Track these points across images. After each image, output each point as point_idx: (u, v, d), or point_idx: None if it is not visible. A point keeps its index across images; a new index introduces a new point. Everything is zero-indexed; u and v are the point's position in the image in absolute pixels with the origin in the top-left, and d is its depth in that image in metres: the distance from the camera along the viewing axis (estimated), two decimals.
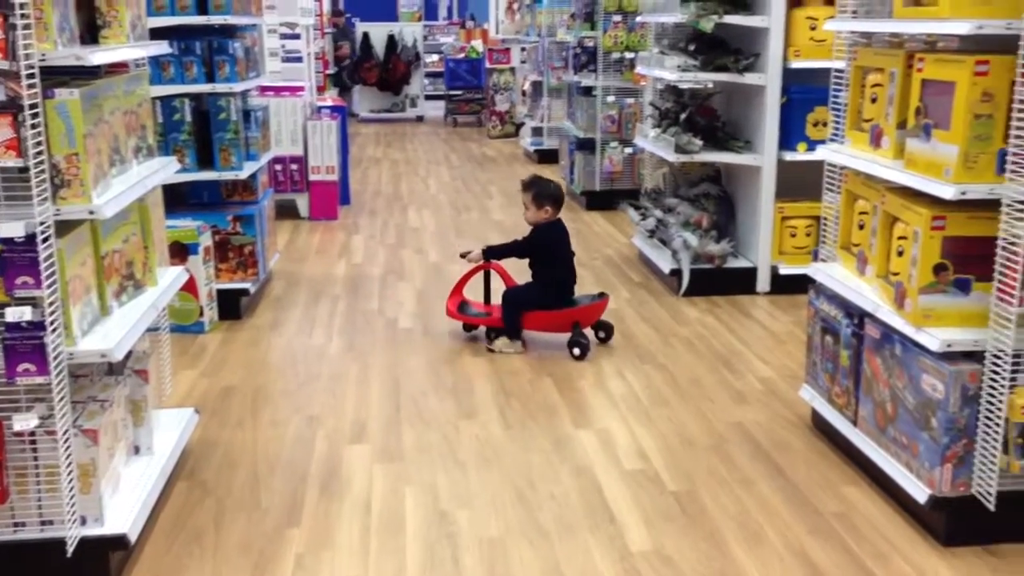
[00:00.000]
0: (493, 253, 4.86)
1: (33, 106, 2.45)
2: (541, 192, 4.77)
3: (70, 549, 2.65)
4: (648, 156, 6.44)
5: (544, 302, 4.69)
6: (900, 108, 3.15)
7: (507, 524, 3.10)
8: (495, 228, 7.51)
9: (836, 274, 3.50)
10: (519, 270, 4.93)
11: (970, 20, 2.73)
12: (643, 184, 6.72)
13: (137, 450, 3.23)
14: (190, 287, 4.78)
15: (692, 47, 5.59)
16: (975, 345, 2.83)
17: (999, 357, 2.75)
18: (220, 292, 5.08)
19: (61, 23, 2.68)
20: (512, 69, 13.22)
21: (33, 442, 2.60)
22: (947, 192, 2.79)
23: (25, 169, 2.47)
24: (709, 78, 5.58)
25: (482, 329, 4.84)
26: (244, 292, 5.18)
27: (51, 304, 2.53)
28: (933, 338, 2.86)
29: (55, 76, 2.74)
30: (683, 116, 5.67)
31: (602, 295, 4.83)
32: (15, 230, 2.44)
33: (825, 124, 4.42)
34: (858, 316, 3.33)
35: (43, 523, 2.67)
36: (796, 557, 2.91)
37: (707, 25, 5.31)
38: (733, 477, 3.41)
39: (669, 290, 5.71)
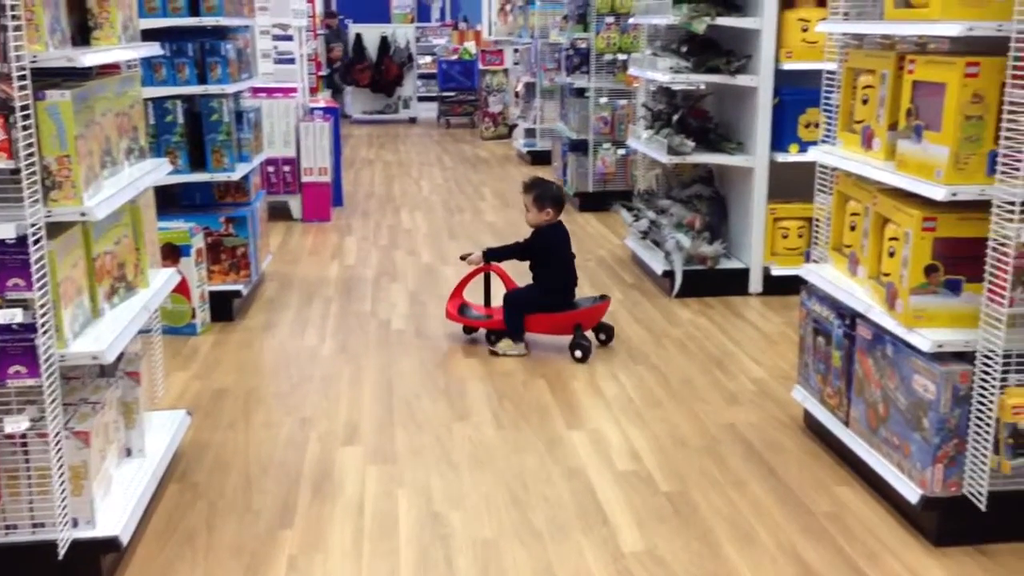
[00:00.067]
0: (493, 255, 4.85)
1: (24, 107, 2.45)
2: (542, 194, 4.76)
3: (62, 551, 2.64)
4: (641, 157, 6.45)
5: (545, 304, 4.69)
6: (891, 110, 3.16)
7: (500, 525, 3.10)
8: (488, 229, 7.51)
9: (828, 275, 3.51)
10: (519, 272, 4.93)
11: (960, 22, 2.74)
12: (636, 185, 6.73)
13: (129, 452, 3.22)
14: (182, 289, 4.77)
15: (684, 49, 5.61)
16: (966, 346, 2.84)
17: (990, 357, 2.76)
18: (212, 294, 5.07)
19: (52, 24, 2.68)
20: (505, 71, 13.23)
21: (24, 444, 2.59)
22: (938, 193, 2.80)
23: (16, 171, 2.46)
24: (701, 80, 5.59)
25: (482, 332, 4.84)
26: (236, 294, 5.17)
27: (42, 306, 2.52)
28: (924, 339, 2.87)
29: (46, 77, 2.74)
30: (676, 118, 5.68)
31: (603, 297, 4.83)
32: (6, 232, 2.43)
33: (817, 125, 4.43)
34: (850, 317, 3.34)
35: (34, 525, 2.66)
36: (788, 557, 2.91)
37: (699, 27, 5.32)
38: (725, 478, 3.41)
39: (662, 291, 5.71)
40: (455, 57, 14.86)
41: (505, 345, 4.64)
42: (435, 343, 4.86)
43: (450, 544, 2.99)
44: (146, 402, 3.36)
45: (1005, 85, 2.67)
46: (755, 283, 5.59)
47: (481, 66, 13.39)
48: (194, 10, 4.92)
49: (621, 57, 8.04)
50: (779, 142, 5.36)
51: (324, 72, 13.83)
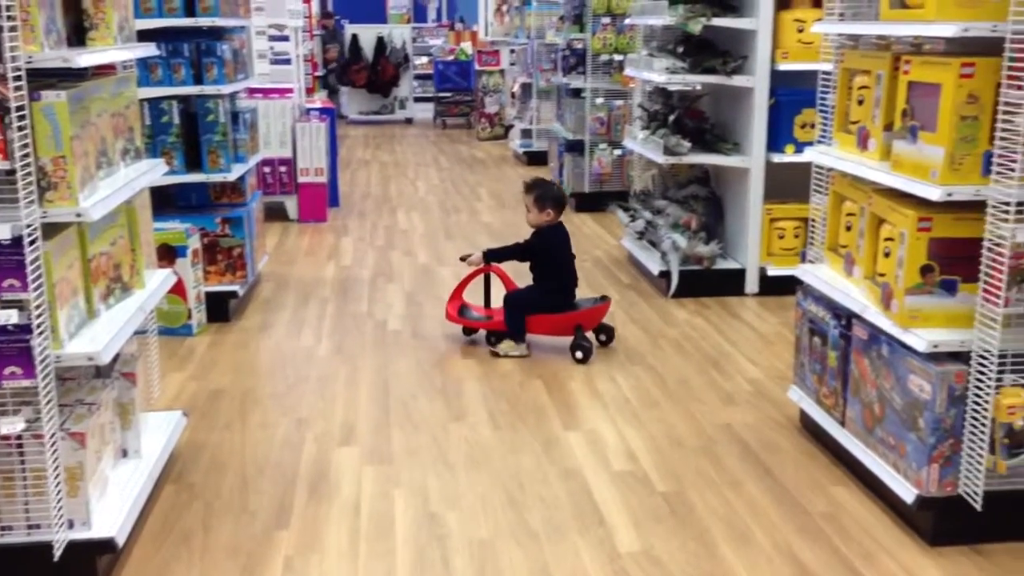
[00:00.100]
0: (493, 256, 4.84)
1: (20, 108, 2.44)
2: (543, 194, 4.76)
3: (57, 553, 2.64)
4: (637, 158, 6.45)
5: (546, 305, 4.68)
6: (887, 110, 3.16)
7: (497, 526, 3.10)
8: (484, 230, 7.51)
9: (824, 275, 3.51)
10: (519, 273, 4.93)
11: (956, 22, 2.74)
12: (632, 186, 6.74)
13: (125, 453, 3.21)
14: (178, 290, 4.76)
15: (680, 49, 5.61)
16: (961, 346, 2.85)
17: (985, 357, 2.76)
18: (208, 294, 5.07)
19: (48, 25, 2.67)
20: (501, 71, 13.23)
21: (20, 446, 2.59)
22: (933, 194, 2.81)
23: (11, 171, 2.46)
24: (697, 80, 5.60)
25: (482, 333, 4.83)
26: (233, 294, 5.17)
27: (38, 307, 2.52)
28: (920, 339, 2.87)
29: (42, 78, 2.73)
30: (672, 118, 5.69)
31: (604, 298, 4.82)
32: (1, 233, 2.43)
33: (813, 126, 4.44)
34: (846, 317, 3.35)
35: (30, 527, 2.66)
36: (784, 557, 2.92)
37: (695, 27, 5.33)
38: (722, 478, 3.42)
39: (658, 291, 5.72)
40: (451, 58, 14.86)
41: (507, 346, 4.64)
42: (431, 343, 4.85)
43: (446, 544, 2.99)
44: (142, 403, 3.36)
45: (1000, 86, 2.67)
46: (751, 283, 5.60)
47: (477, 67, 13.39)
48: (190, 11, 4.92)
49: (617, 58, 8.05)
50: (775, 143, 5.37)
51: (320, 73, 13.83)
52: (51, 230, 2.66)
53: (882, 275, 3.12)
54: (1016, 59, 2.60)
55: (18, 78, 2.43)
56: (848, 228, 3.43)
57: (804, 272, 3.65)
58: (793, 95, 5.27)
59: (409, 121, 15.19)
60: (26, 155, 2.49)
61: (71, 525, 2.71)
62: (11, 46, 2.40)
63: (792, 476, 3.43)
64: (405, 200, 8.85)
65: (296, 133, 7.69)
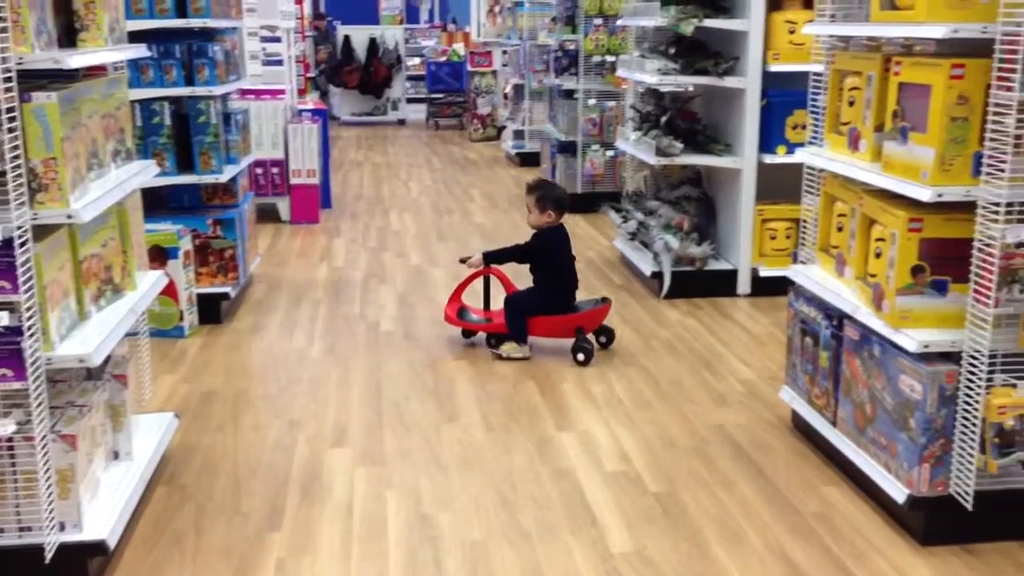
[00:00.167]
0: (493, 258, 4.82)
1: (10, 110, 2.44)
2: (545, 195, 4.75)
3: (48, 555, 2.63)
4: (629, 159, 6.46)
5: (546, 307, 4.67)
6: (877, 111, 3.17)
7: (489, 527, 3.10)
8: (477, 231, 7.51)
9: (815, 276, 3.52)
10: (519, 275, 4.93)
11: (946, 24, 2.75)
12: (624, 187, 6.75)
13: (116, 455, 3.21)
14: (170, 291, 4.75)
15: (672, 50, 5.62)
16: (952, 346, 2.86)
17: (976, 358, 2.77)
18: (200, 296, 5.06)
19: (38, 26, 2.67)
20: (494, 72, 13.23)
21: (11, 448, 2.58)
22: (924, 194, 2.82)
23: (2, 173, 2.45)
24: (689, 81, 5.60)
25: (481, 335, 4.83)
26: (224, 296, 5.16)
27: (28, 309, 2.51)
28: (911, 339, 2.88)
29: (32, 79, 2.73)
30: (664, 119, 5.69)
31: (604, 300, 4.82)
32: None
33: (804, 127, 4.44)
34: (837, 318, 3.36)
35: (21, 529, 2.65)
36: (776, 557, 2.92)
37: (687, 28, 5.34)
38: (714, 478, 3.42)
39: (650, 292, 5.73)
40: (444, 59, 14.86)
41: (509, 348, 4.63)
42: (424, 345, 4.85)
43: (439, 546, 2.99)
44: (133, 405, 3.35)
45: (990, 87, 2.68)
46: (743, 284, 5.61)
47: (470, 68, 13.39)
48: (181, 12, 4.91)
49: (609, 59, 8.06)
50: (767, 144, 5.38)
51: (312, 74, 13.81)
52: (42, 232, 2.65)
53: (873, 276, 3.13)
54: (1006, 60, 2.61)
55: (8, 79, 2.42)
56: (839, 229, 3.44)
57: (796, 273, 3.66)
58: (784, 96, 5.28)
59: (401, 122, 15.18)
60: (17, 157, 2.49)
61: (62, 527, 2.70)
62: (1, 47, 2.39)
63: (784, 476, 3.43)
64: (397, 201, 8.85)
65: (288, 134, 7.68)
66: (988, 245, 2.70)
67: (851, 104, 3.35)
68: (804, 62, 4.41)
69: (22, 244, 2.48)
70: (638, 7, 6.04)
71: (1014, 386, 2.77)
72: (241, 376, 4.45)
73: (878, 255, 3.09)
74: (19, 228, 2.48)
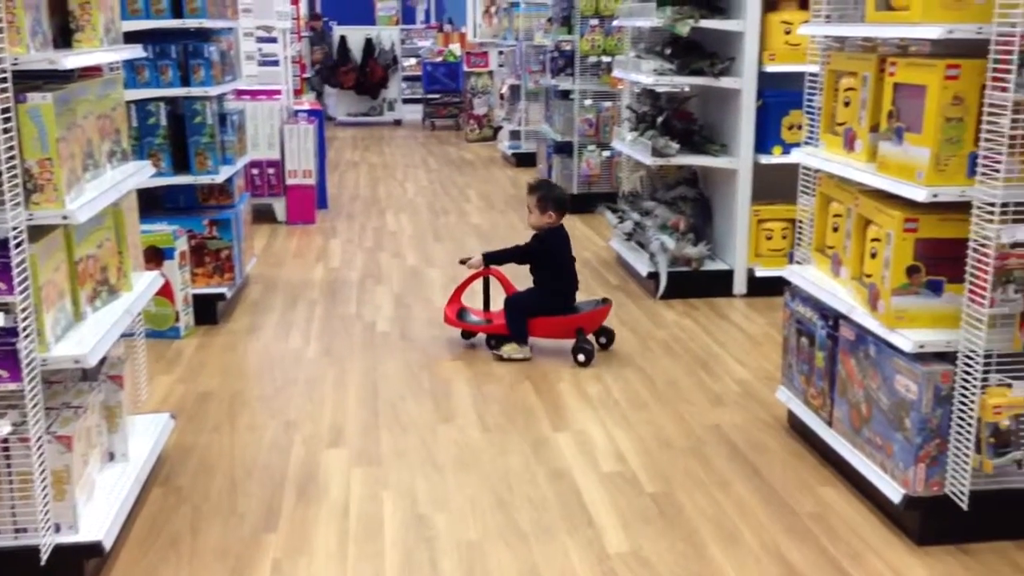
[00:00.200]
0: (493, 259, 4.81)
1: (5, 110, 2.43)
2: (546, 196, 4.74)
3: (44, 557, 2.62)
4: (625, 159, 6.46)
5: (546, 308, 4.67)
6: (873, 112, 3.18)
7: (485, 527, 3.10)
8: (473, 232, 7.51)
9: (811, 276, 3.52)
10: (518, 276, 4.92)
11: (941, 24, 2.76)
12: (620, 187, 6.74)
13: (112, 456, 3.20)
14: (166, 292, 4.75)
15: (668, 51, 5.62)
16: (947, 346, 2.86)
17: (971, 357, 2.78)
18: (196, 297, 5.05)
19: (34, 27, 2.66)
20: (490, 73, 13.23)
21: (6, 449, 2.58)
22: (919, 195, 2.82)
23: None
24: (685, 82, 5.61)
25: (481, 337, 4.82)
26: (220, 297, 5.16)
27: (24, 310, 2.51)
28: (906, 339, 2.89)
29: (28, 80, 2.72)
30: (660, 119, 5.70)
31: (605, 301, 4.82)
32: None
33: (800, 127, 4.45)
34: (833, 318, 3.36)
35: (17, 531, 2.65)
36: (772, 557, 2.93)
37: (683, 29, 5.34)
38: (710, 478, 3.42)
39: (647, 293, 5.73)
40: (440, 59, 14.85)
41: (510, 349, 4.62)
42: (420, 345, 4.85)
43: (435, 546, 2.99)
44: (129, 406, 3.34)
45: (985, 87, 2.69)
46: (739, 284, 5.61)
47: (466, 68, 13.39)
48: (177, 12, 4.90)
49: (605, 59, 8.06)
50: (763, 144, 5.39)
51: (309, 74, 13.80)
52: (37, 232, 2.64)
53: (869, 276, 3.13)
54: (1001, 61, 2.61)
55: (3, 80, 2.42)
56: (835, 229, 3.44)
57: (792, 273, 3.66)
58: (780, 96, 5.28)
59: (398, 123, 15.18)
60: (12, 157, 2.48)
61: (58, 529, 2.70)
62: None
63: (780, 476, 3.44)
64: (394, 202, 8.84)
65: (284, 135, 7.68)
66: (983, 245, 2.71)
67: (847, 104, 3.36)
68: (800, 63, 4.42)
69: (17, 245, 2.48)
70: (634, 8, 6.04)
71: (1009, 386, 2.77)
72: (237, 377, 4.45)
73: (874, 255, 3.10)
74: (14, 229, 2.47)
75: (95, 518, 2.82)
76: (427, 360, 4.65)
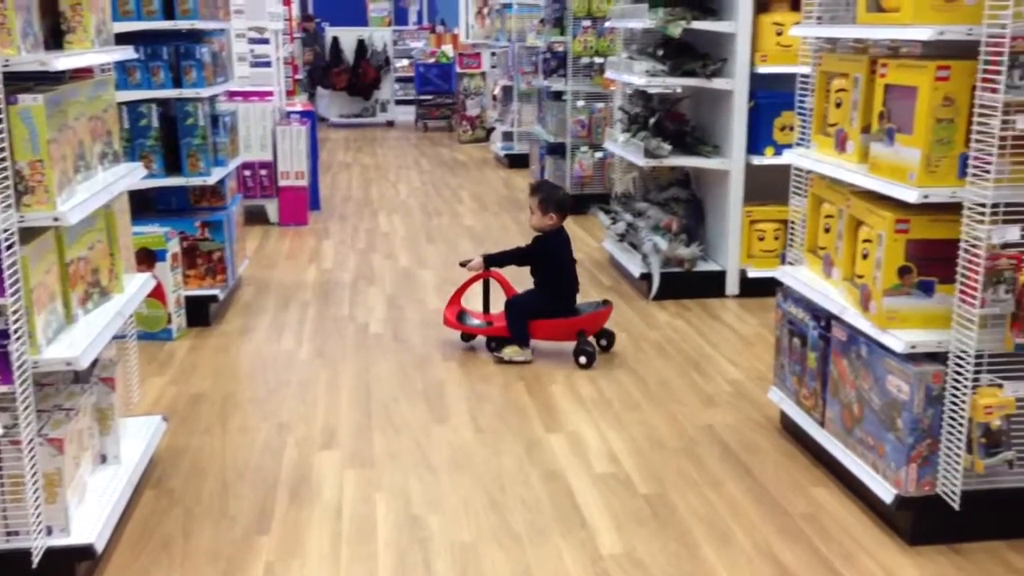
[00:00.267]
0: (494, 261, 4.80)
1: None
2: (548, 197, 4.74)
3: (36, 560, 2.62)
4: (618, 160, 6.47)
5: (547, 310, 4.66)
6: (864, 113, 3.19)
7: (479, 529, 3.10)
8: (466, 233, 7.51)
9: (803, 277, 3.53)
10: (518, 278, 4.92)
11: (931, 26, 2.77)
12: (613, 188, 6.76)
13: (104, 459, 3.19)
14: (158, 294, 4.74)
15: (661, 52, 5.63)
16: (939, 346, 2.87)
17: (962, 358, 2.79)
18: (188, 299, 5.04)
19: (25, 28, 2.66)
20: (483, 74, 13.22)
21: None
22: (910, 196, 2.83)
23: None
24: (678, 83, 5.61)
25: (480, 339, 4.81)
26: (213, 298, 5.15)
27: (15, 312, 2.50)
28: (897, 340, 2.89)
29: (19, 82, 2.71)
30: (652, 121, 5.71)
31: (606, 303, 4.81)
32: None
33: (792, 128, 4.46)
34: (825, 318, 3.37)
35: (8, 533, 2.64)
36: (765, 557, 2.93)
37: (675, 30, 5.35)
38: (703, 479, 3.43)
39: (639, 294, 5.73)
40: (432, 60, 14.84)
41: (511, 351, 4.60)
42: (413, 347, 4.85)
43: (428, 547, 2.99)
44: (121, 408, 3.34)
45: (975, 88, 2.70)
46: (732, 285, 5.62)
47: (459, 69, 13.38)
48: (169, 13, 4.89)
49: (598, 60, 8.07)
50: (755, 145, 5.40)
51: (301, 76, 13.78)
52: (28, 234, 2.64)
53: (860, 276, 3.14)
54: (991, 62, 2.62)
55: None
56: (827, 230, 3.45)
57: (784, 274, 3.67)
58: (772, 98, 5.29)
59: (390, 124, 15.16)
60: (2, 159, 2.47)
61: (49, 532, 2.69)
62: None
63: (772, 477, 3.44)
64: (386, 203, 8.84)
65: (276, 136, 7.67)
66: (974, 246, 2.72)
67: (838, 106, 3.37)
68: (791, 64, 4.42)
69: (8, 247, 2.47)
70: (626, 9, 6.05)
71: (1000, 386, 2.78)
72: (229, 379, 4.44)
73: (865, 256, 3.11)
74: (5, 231, 2.47)
75: (87, 521, 2.81)
76: (420, 361, 4.64)
